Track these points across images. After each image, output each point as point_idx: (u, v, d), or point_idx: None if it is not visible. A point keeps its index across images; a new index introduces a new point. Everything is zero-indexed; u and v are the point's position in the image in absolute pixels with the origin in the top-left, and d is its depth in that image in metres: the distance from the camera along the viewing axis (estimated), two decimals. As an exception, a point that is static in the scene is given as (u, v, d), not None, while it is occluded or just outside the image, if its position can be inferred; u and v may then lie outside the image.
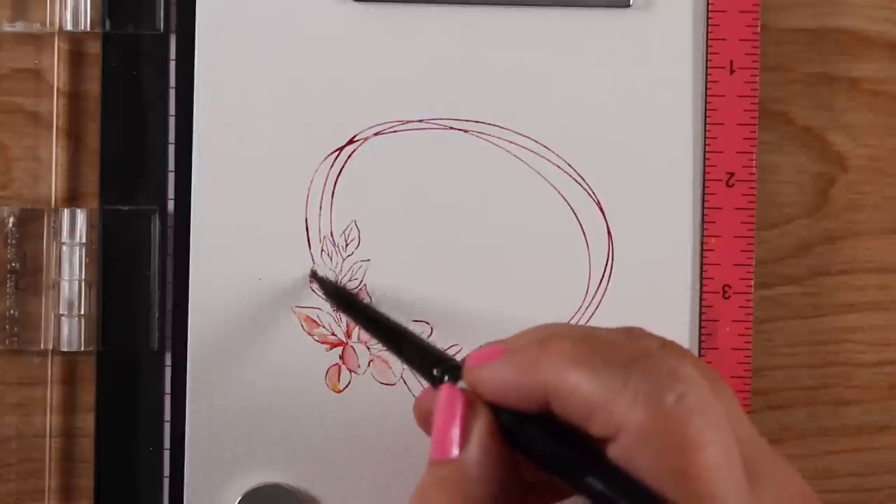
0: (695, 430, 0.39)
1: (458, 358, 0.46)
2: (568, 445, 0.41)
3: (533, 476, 0.44)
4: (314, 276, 0.54)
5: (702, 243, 0.55)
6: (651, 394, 0.39)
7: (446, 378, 0.44)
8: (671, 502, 0.38)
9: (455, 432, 0.42)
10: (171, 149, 0.55)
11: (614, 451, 0.40)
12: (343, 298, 0.53)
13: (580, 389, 0.40)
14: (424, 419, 0.46)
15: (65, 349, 0.55)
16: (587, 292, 0.55)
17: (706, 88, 0.55)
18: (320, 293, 0.54)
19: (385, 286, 0.55)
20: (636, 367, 0.40)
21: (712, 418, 0.39)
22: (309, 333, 0.55)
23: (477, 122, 0.55)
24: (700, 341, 0.55)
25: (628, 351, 0.41)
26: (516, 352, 0.42)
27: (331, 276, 0.55)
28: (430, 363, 0.46)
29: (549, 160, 0.55)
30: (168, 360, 0.55)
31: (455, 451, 0.42)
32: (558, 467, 0.41)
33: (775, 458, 0.41)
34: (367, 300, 0.55)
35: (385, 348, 0.49)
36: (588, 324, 0.55)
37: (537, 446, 0.42)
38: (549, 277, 0.55)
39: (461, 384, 0.44)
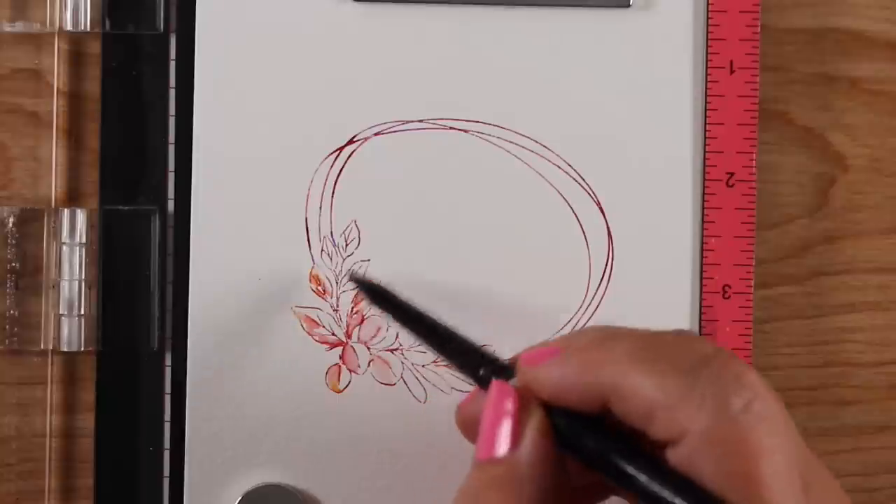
0: (760, 438, 0.39)
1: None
2: (625, 447, 0.41)
3: (579, 480, 0.43)
4: (352, 278, 0.52)
5: (702, 243, 0.55)
6: (718, 399, 0.39)
7: (493, 379, 0.44)
8: None
9: (506, 431, 0.42)
10: (171, 149, 0.55)
11: (675, 455, 0.40)
12: (384, 298, 0.51)
13: (643, 391, 0.40)
14: (468, 424, 0.45)
15: (65, 349, 0.55)
16: (587, 292, 0.55)
17: (706, 88, 0.55)
18: (362, 295, 0.52)
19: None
20: (703, 372, 0.40)
21: (777, 427, 0.39)
22: (309, 333, 0.55)
23: (477, 122, 0.55)
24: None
25: (691, 354, 0.41)
26: (576, 351, 0.42)
27: (331, 277, 0.55)
28: (477, 363, 0.45)
29: (549, 160, 0.55)
30: (168, 360, 0.55)
31: (504, 450, 0.42)
32: (613, 469, 0.41)
33: (824, 471, 0.41)
34: (365, 300, 0.55)
35: (429, 348, 0.48)
36: (588, 324, 0.55)
37: (592, 447, 0.41)
38: (549, 277, 0.55)
39: (511, 384, 0.43)
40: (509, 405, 0.42)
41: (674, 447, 0.40)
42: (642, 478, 0.40)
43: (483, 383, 0.44)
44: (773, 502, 0.38)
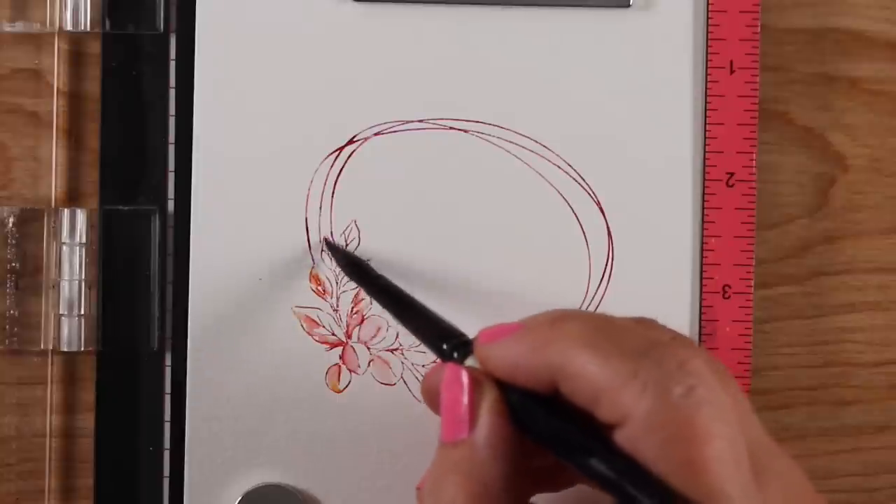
0: (702, 423, 0.39)
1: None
2: (575, 428, 0.41)
3: (540, 461, 0.43)
4: (327, 243, 0.54)
5: (702, 243, 0.55)
6: (660, 384, 0.39)
7: (455, 354, 0.44)
8: (675, 491, 0.38)
9: (463, 412, 0.42)
10: (171, 149, 0.55)
11: (620, 438, 0.40)
12: (355, 267, 0.53)
13: (589, 373, 0.40)
14: (431, 396, 0.45)
15: (65, 349, 0.55)
16: (587, 292, 0.55)
17: (706, 88, 0.55)
18: (333, 262, 0.54)
19: (385, 286, 0.55)
20: (647, 357, 0.40)
21: (720, 412, 0.39)
22: (309, 333, 0.55)
23: (477, 122, 0.55)
24: (700, 341, 0.55)
25: (640, 340, 0.41)
26: (528, 330, 0.42)
27: (331, 277, 0.55)
28: (440, 337, 0.45)
29: (549, 160, 0.55)
30: (168, 360, 0.55)
31: (464, 432, 0.42)
32: (564, 449, 0.41)
33: (782, 457, 0.41)
34: (365, 300, 0.55)
35: (396, 320, 0.49)
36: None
37: (545, 427, 0.42)
38: (549, 277, 0.55)
39: (470, 360, 0.43)
40: (462, 385, 0.42)
41: (619, 430, 0.40)
42: (590, 458, 0.40)
43: (446, 358, 0.44)
44: (715, 487, 0.38)
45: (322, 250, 0.54)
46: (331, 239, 0.54)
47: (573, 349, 0.41)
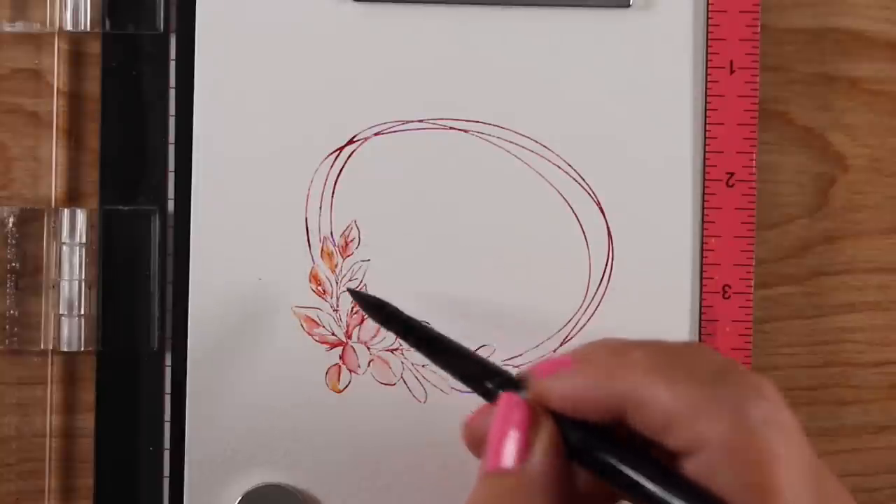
0: (778, 449, 0.39)
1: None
2: (638, 458, 0.41)
3: (585, 487, 0.43)
4: (352, 292, 0.53)
5: (702, 243, 0.55)
6: (737, 409, 0.39)
7: (501, 391, 0.43)
8: None
9: (515, 442, 0.41)
10: (171, 149, 0.55)
11: (691, 466, 0.40)
12: (382, 311, 0.51)
13: (661, 401, 0.40)
14: (475, 440, 0.44)
15: (65, 349, 0.55)
16: (587, 292, 0.55)
17: (706, 88, 0.55)
18: (362, 309, 0.52)
19: (385, 286, 0.55)
20: (721, 382, 0.40)
21: (794, 438, 0.39)
22: (309, 333, 0.55)
23: (477, 122, 0.55)
24: (700, 341, 0.55)
25: (709, 365, 0.41)
26: (591, 362, 0.42)
27: (331, 277, 0.55)
28: (484, 376, 0.44)
29: (549, 160, 0.55)
30: (168, 360, 0.55)
31: (514, 462, 0.41)
32: (626, 480, 0.41)
33: (835, 480, 0.41)
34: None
35: (432, 362, 0.47)
36: (588, 324, 0.55)
37: (605, 458, 0.41)
38: (549, 277, 0.55)
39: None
40: (519, 416, 0.42)
41: (690, 458, 0.40)
42: (656, 489, 0.40)
43: (490, 397, 0.44)
44: None
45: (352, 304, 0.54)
46: (354, 288, 0.54)
47: (642, 378, 0.40)
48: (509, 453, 0.41)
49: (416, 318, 0.49)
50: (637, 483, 0.40)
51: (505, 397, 0.43)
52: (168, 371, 0.55)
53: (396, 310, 0.50)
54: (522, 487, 0.41)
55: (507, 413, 0.42)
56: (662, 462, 0.40)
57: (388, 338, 0.55)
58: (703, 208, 0.55)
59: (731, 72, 0.55)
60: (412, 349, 0.48)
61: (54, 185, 0.56)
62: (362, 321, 0.55)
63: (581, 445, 0.41)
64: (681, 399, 0.40)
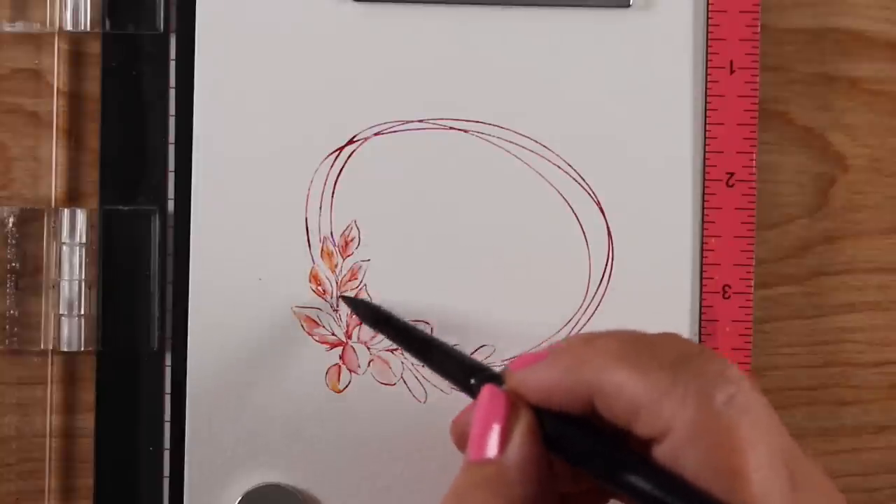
0: (744, 431, 0.39)
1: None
2: (613, 447, 0.41)
3: (566, 486, 0.44)
4: (343, 299, 0.54)
5: (702, 243, 0.55)
6: (701, 393, 0.39)
7: (482, 386, 0.44)
8: (721, 501, 0.38)
9: (495, 433, 0.42)
10: (171, 149, 0.55)
11: (659, 452, 0.40)
12: (372, 313, 0.53)
13: (628, 388, 0.40)
14: (462, 437, 0.46)
15: (65, 349, 0.55)
16: (587, 292, 0.55)
17: (706, 88, 0.55)
18: (355, 315, 0.54)
19: (385, 286, 0.55)
20: (685, 367, 0.40)
21: (761, 420, 0.39)
22: (309, 333, 0.55)
23: (477, 122, 0.55)
24: (700, 341, 0.55)
25: (673, 351, 0.41)
26: (561, 352, 0.42)
27: (331, 277, 0.55)
28: (468, 372, 0.46)
29: (549, 160, 0.55)
30: (168, 360, 0.55)
31: (494, 452, 0.42)
32: (603, 469, 0.41)
33: (811, 464, 0.41)
34: (369, 299, 0.55)
35: (421, 363, 0.49)
36: (588, 324, 0.55)
37: (581, 448, 0.42)
38: (549, 277, 0.55)
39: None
40: (498, 407, 0.43)
41: (658, 444, 0.40)
42: (629, 476, 0.40)
43: (474, 392, 0.45)
44: (757, 495, 0.38)
45: (335, 308, 0.55)
46: (344, 294, 0.55)
47: (609, 365, 0.41)
48: (490, 443, 0.42)
49: (407, 321, 0.51)
50: (611, 470, 0.41)
51: (485, 390, 0.43)
52: (168, 371, 0.55)
53: (386, 312, 0.51)
54: (501, 475, 0.42)
55: (486, 405, 0.43)
56: (636, 450, 0.41)
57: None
58: (703, 208, 0.55)
59: (731, 72, 0.55)
60: (407, 351, 0.50)
61: (54, 185, 0.56)
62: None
63: (556, 434, 0.42)
64: (645, 385, 0.40)
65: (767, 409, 0.40)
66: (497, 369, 0.46)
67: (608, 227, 0.55)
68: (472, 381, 0.45)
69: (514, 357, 0.54)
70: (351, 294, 0.55)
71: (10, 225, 0.55)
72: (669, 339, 0.42)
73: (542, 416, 0.42)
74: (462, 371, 0.46)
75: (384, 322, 0.52)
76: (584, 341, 0.42)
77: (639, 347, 0.41)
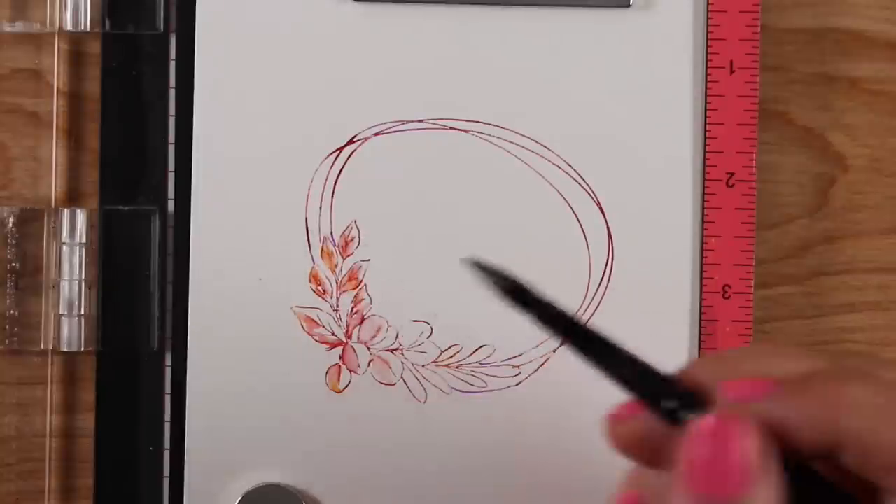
0: None
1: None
2: (842, 493, 0.39)
3: None
4: (476, 265, 0.42)
5: (702, 243, 0.55)
6: None
7: (685, 415, 0.39)
8: None
9: (739, 468, 0.37)
10: (171, 149, 0.55)
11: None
12: (523, 294, 0.42)
13: (890, 444, 0.38)
14: (631, 441, 0.40)
15: (65, 349, 0.55)
16: (587, 292, 0.55)
17: (706, 88, 0.55)
18: (503, 297, 0.43)
19: (385, 286, 0.55)
20: None
21: None
22: (309, 333, 0.55)
23: (477, 122, 0.55)
24: (700, 341, 0.55)
25: None
26: (803, 389, 0.39)
27: (331, 277, 0.55)
28: (660, 394, 0.39)
29: (549, 160, 0.55)
30: (168, 360, 0.55)
31: (732, 489, 0.37)
32: None
33: None
34: (369, 299, 0.55)
35: (587, 362, 0.41)
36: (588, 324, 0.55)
37: (821, 493, 0.39)
38: (549, 277, 0.55)
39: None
40: (742, 439, 0.38)
41: None
42: None
43: (670, 417, 0.39)
44: None
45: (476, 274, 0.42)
46: (483, 262, 0.42)
47: (871, 417, 0.38)
48: (730, 479, 0.38)
49: (562, 307, 0.42)
50: None
51: (725, 419, 0.38)
52: (168, 371, 0.55)
53: (544, 296, 0.42)
54: None
55: (723, 434, 0.38)
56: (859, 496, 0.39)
57: (388, 338, 0.55)
58: (703, 208, 0.55)
59: (731, 72, 0.55)
60: (575, 352, 0.41)
61: (54, 185, 0.56)
62: (362, 321, 0.55)
63: (798, 477, 0.39)
64: None
65: None
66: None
67: (608, 227, 0.55)
68: (670, 404, 0.39)
69: (514, 356, 0.54)
70: (351, 294, 0.55)
71: (10, 225, 0.55)
72: None
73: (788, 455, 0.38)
74: (655, 389, 0.39)
75: (535, 304, 0.42)
76: (830, 380, 0.39)
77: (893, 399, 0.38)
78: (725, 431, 0.38)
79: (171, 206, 0.55)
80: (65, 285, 0.55)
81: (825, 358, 0.40)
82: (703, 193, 0.55)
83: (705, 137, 0.55)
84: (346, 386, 0.55)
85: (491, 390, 0.55)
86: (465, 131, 0.55)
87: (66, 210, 0.55)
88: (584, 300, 0.55)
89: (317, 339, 0.55)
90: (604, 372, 0.40)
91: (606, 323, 0.55)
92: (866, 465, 0.38)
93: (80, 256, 0.55)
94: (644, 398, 0.39)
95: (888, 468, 0.38)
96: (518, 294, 0.41)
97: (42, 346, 0.55)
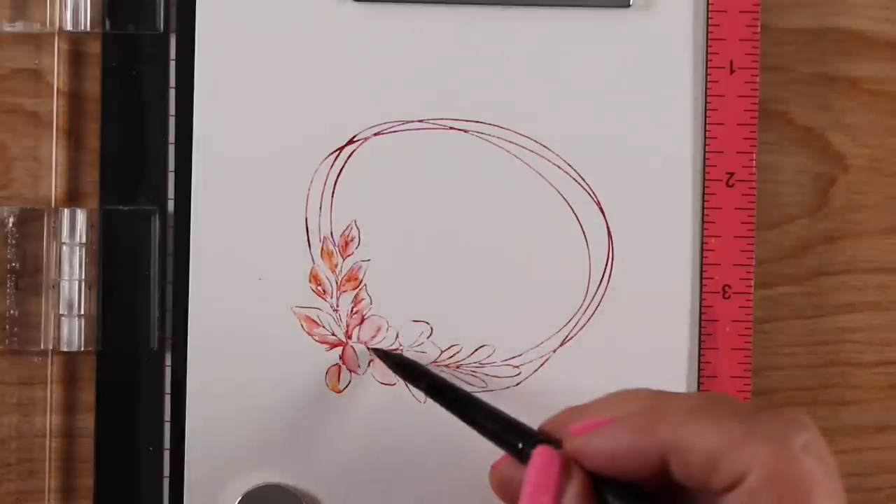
0: (819, 479, 0.40)
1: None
2: None
3: None
4: (375, 351, 0.54)
5: (702, 243, 0.55)
6: (780, 438, 0.40)
7: (535, 447, 0.45)
8: None
9: (549, 496, 0.43)
10: (171, 149, 0.55)
11: (734, 501, 0.40)
12: (408, 368, 0.53)
13: (705, 438, 0.41)
14: (504, 487, 0.46)
15: (65, 349, 0.55)
16: (587, 292, 0.55)
17: (706, 88, 0.55)
18: (389, 367, 0.54)
19: (385, 286, 0.55)
20: (761, 414, 0.41)
21: (831, 470, 0.41)
22: (309, 333, 0.55)
23: (477, 122, 0.55)
24: (700, 341, 0.55)
25: (744, 405, 0.42)
26: (630, 416, 0.43)
27: (331, 277, 0.55)
28: (513, 435, 0.46)
29: (549, 160, 0.55)
30: (168, 360, 0.55)
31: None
32: None
33: None
34: (369, 300, 0.55)
35: (460, 419, 0.49)
36: (588, 324, 0.55)
37: None
38: (549, 277, 0.55)
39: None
40: (553, 470, 0.43)
41: (733, 493, 0.40)
42: None
43: (522, 456, 0.45)
44: None
45: (369, 361, 0.55)
46: (373, 346, 0.55)
47: (685, 420, 0.42)
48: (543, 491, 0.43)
49: (441, 374, 0.52)
50: None
51: (541, 451, 0.44)
52: (168, 371, 0.55)
53: (424, 367, 0.53)
54: None
55: (541, 467, 0.43)
56: None
57: (388, 338, 0.55)
58: (703, 208, 0.55)
59: (731, 72, 0.55)
60: (446, 409, 0.50)
61: (54, 185, 0.56)
62: (362, 321, 0.55)
63: (614, 499, 0.43)
64: (723, 433, 0.41)
65: (833, 458, 0.41)
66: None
67: (608, 227, 0.55)
68: (521, 445, 0.45)
69: (514, 356, 0.54)
70: (351, 294, 0.55)
71: (10, 225, 0.55)
72: (727, 396, 0.44)
73: (598, 481, 0.43)
74: (507, 434, 0.46)
75: (418, 376, 0.53)
76: (652, 406, 0.43)
77: (711, 402, 0.42)
78: (537, 463, 0.44)
79: (171, 206, 0.55)
80: (65, 285, 0.55)
81: (668, 394, 0.44)
82: (703, 193, 0.55)
83: (705, 137, 0.55)
84: (346, 386, 0.55)
85: (491, 390, 0.55)
86: (465, 131, 0.55)
87: (66, 210, 0.55)
88: (584, 300, 0.55)
89: (317, 339, 0.55)
90: (470, 423, 0.48)
91: (606, 323, 0.55)
92: (689, 468, 0.41)
93: (80, 256, 0.55)
94: (501, 443, 0.46)
95: (708, 463, 0.41)
96: (403, 367, 0.53)
97: (42, 346, 0.55)
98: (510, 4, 0.55)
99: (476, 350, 0.55)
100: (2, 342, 0.55)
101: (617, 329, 0.55)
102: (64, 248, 0.55)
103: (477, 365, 0.55)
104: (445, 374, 0.55)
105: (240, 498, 0.54)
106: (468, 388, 0.54)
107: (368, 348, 0.54)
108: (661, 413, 0.42)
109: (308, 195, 0.55)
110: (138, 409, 0.55)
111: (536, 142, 0.55)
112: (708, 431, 0.41)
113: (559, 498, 0.43)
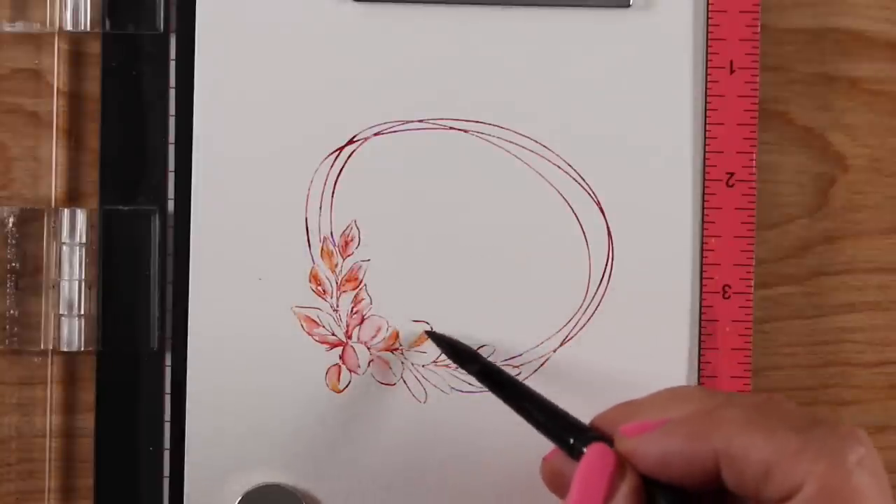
0: (871, 494, 0.40)
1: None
2: None
3: None
4: (430, 334, 0.54)
5: (702, 243, 0.55)
6: (835, 452, 0.41)
7: (585, 450, 0.45)
8: None
9: (599, 495, 0.43)
10: (171, 149, 0.55)
11: None
12: (463, 354, 0.53)
13: (759, 448, 0.41)
14: (555, 480, 0.47)
15: (65, 349, 0.55)
16: (587, 292, 0.55)
17: (706, 88, 0.55)
18: (439, 350, 0.54)
19: (385, 286, 0.55)
20: (816, 427, 0.41)
21: (885, 485, 0.41)
22: (309, 333, 0.55)
23: (477, 122, 0.55)
24: (700, 341, 0.55)
25: (801, 414, 0.42)
26: (683, 421, 0.43)
27: (331, 277, 0.55)
28: (565, 430, 0.46)
29: (549, 160, 0.55)
30: (168, 360, 0.55)
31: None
32: None
33: None
34: (369, 300, 0.55)
35: (512, 408, 0.49)
36: (588, 324, 0.55)
37: None
38: (549, 277, 0.55)
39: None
40: (607, 468, 0.44)
41: None
42: None
43: (574, 452, 0.45)
44: None
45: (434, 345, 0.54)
46: (431, 329, 0.55)
47: (739, 430, 0.42)
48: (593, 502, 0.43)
49: (493, 362, 0.52)
50: None
51: (595, 448, 0.44)
52: (168, 371, 0.55)
53: (478, 355, 0.53)
54: None
55: (594, 464, 0.44)
56: None
57: (388, 338, 0.55)
58: (703, 208, 0.55)
59: (731, 72, 0.55)
60: (501, 399, 0.50)
61: (54, 185, 0.56)
62: (362, 321, 0.55)
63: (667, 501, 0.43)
64: (777, 444, 0.41)
65: (886, 474, 0.42)
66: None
67: (608, 227, 0.55)
68: (572, 441, 0.46)
69: (514, 356, 0.54)
70: (351, 294, 0.55)
71: (10, 225, 0.55)
72: (782, 402, 0.44)
73: (650, 484, 0.43)
74: (561, 427, 0.47)
75: (470, 361, 0.53)
76: (706, 411, 0.43)
77: (766, 412, 0.42)
78: (590, 460, 0.44)
79: (171, 206, 0.55)
80: (65, 285, 0.55)
81: (722, 397, 0.45)
82: (703, 193, 0.55)
83: (705, 137, 0.55)
84: (346, 386, 0.55)
85: (491, 390, 0.55)
86: (465, 131, 0.55)
87: (66, 210, 0.55)
88: (584, 300, 0.55)
89: (317, 339, 0.55)
90: (522, 414, 0.48)
91: (607, 323, 0.55)
92: (742, 479, 0.42)
93: (80, 256, 0.55)
94: (552, 436, 0.47)
95: (762, 475, 0.41)
96: (457, 353, 0.53)
97: (42, 346, 0.55)
98: (510, 4, 0.55)
99: (476, 350, 0.55)
100: (2, 342, 0.55)
101: (617, 329, 0.55)
102: (64, 248, 0.55)
103: (477, 365, 0.55)
104: (445, 374, 0.55)
105: (240, 498, 0.54)
106: (468, 388, 0.54)
107: (424, 332, 0.54)
108: (717, 420, 0.42)
109: (308, 195, 0.55)
110: (138, 409, 0.55)
111: (536, 142, 0.55)
112: (763, 442, 0.41)
113: (610, 498, 0.43)
